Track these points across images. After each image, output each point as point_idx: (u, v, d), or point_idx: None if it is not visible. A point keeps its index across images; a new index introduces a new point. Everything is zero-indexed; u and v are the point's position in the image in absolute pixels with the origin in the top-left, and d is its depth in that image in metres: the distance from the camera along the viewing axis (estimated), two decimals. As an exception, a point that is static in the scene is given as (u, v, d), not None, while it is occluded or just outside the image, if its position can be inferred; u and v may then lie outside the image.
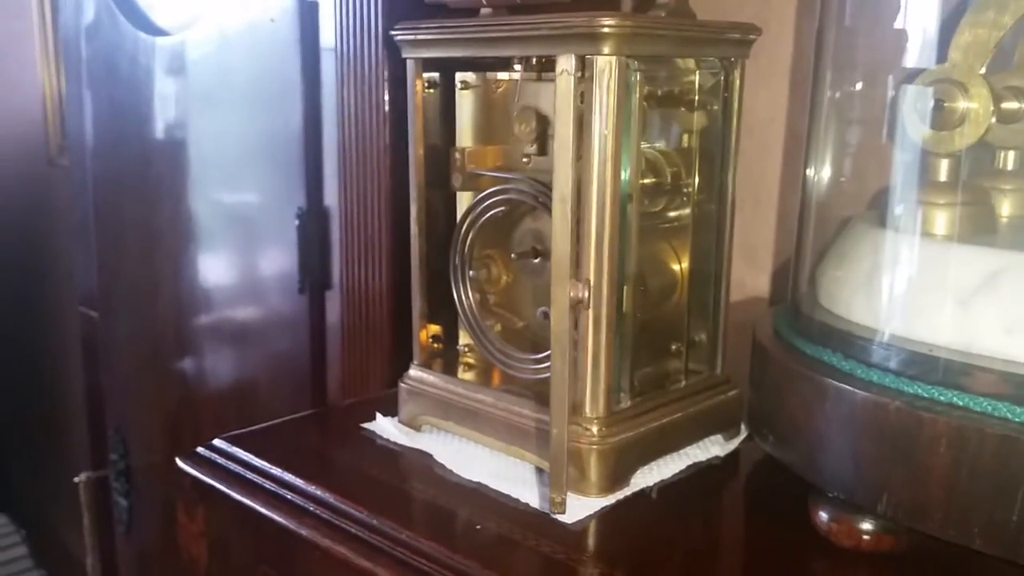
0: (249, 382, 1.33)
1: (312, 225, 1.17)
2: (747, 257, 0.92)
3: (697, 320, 0.71)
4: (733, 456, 0.70)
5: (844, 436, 0.55)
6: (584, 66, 0.59)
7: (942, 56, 0.61)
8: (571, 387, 0.64)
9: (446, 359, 0.76)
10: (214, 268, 1.36)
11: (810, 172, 0.66)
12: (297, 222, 1.17)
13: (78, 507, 1.58)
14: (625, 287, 0.64)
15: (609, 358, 0.62)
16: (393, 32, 0.70)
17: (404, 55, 0.70)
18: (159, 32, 1.37)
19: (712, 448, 0.70)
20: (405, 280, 0.85)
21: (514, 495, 0.63)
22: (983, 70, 0.60)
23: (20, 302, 2.13)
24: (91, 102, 1.55)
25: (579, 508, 0.61)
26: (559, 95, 0.46)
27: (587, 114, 0.59)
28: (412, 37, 0.68)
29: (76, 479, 1.59)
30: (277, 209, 1.22)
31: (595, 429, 0.63)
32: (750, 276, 0.94)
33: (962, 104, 0.60)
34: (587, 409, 0.63)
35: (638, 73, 0.61)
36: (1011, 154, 0.70)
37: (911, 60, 0.64)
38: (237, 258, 1.32)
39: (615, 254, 0.61)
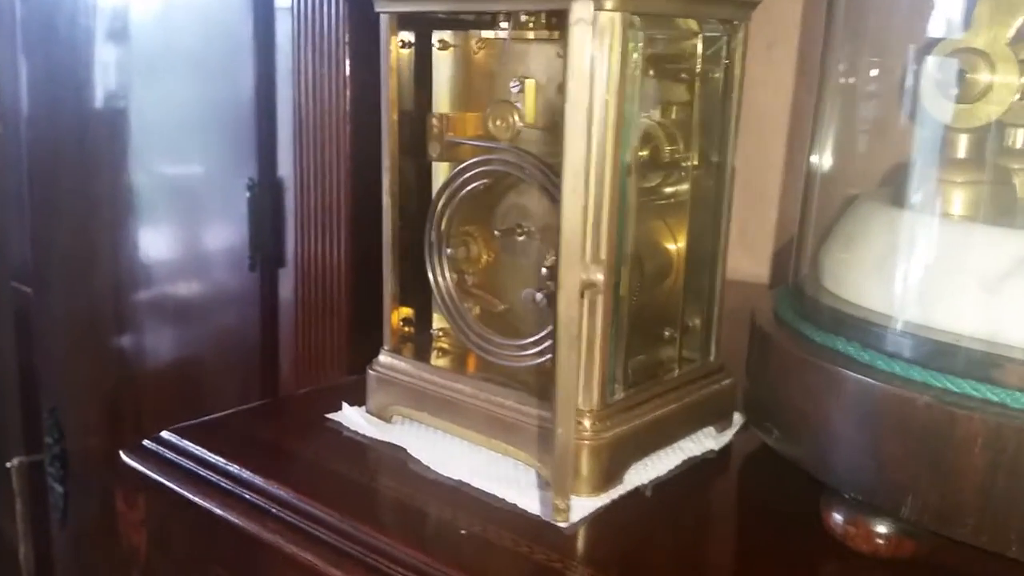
0: (194, 364, 1.26)
1: (264, 197, 1.10)
2: (743, 237, 0.88)
3: (692, 304, 0.67)
4: (726, 449, 0.66)
5: (864, 433, 0.51)
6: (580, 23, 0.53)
7: (964, 24, 0.57)
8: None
9: (418, 344, 0.70)
10: (156, 242, 1.28)
11: (816, 148, 0.61)
12: (248, 194, 1.10)
13: (10, 493, 1.49)
14: (623, 269, 0.59)
15: (605, 346, 0.57)
16: (365, -16, 0.63)
17: (377, 9, 0.63)
18: (100, -10, 1.28)
19: (706, 441, 0.66)
20: (366, 257, 0.79)
21: (500, 495, 0.57)
22: (1011, 34, 0.56)
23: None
24: (26, 66, 1.45)
25: (572, 510, 0.56)
26: (572, 50, 0.40)
27: (582, 78, 0.54)
28: (387, -11, 0.62)
29: (8, 464, 1.50)
30: (226, 180, 1.15)
31: (588, 423, 0.58)
32: (745, 257, 0.90)
33: (985, 76, 0.56)
34: (580, 401, 0.58)
35: (641, 32, 0.56)
36: (1020, 132, 0.66)
37: (930, 28, 0.59)
38: (182, 232, 1.24)
39: (614, 233, 0.56)
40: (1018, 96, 0.58)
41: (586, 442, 0.58)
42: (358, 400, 0.69)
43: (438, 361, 0.69)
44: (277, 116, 1.09)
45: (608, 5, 0.52)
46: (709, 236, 0.65)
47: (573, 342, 0.43)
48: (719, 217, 0.65)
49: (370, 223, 0.70)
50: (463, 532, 0.53)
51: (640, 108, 0.58)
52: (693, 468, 0.63)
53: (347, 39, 0.95)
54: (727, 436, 0.67)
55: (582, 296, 0.42)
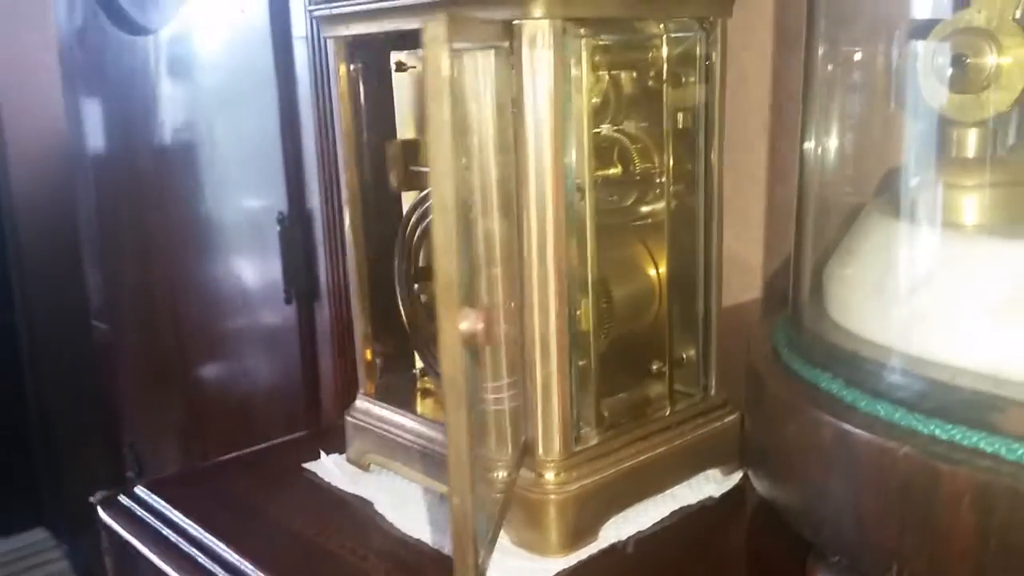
0: (248, 397, 1.25)
1: (295, 230, 1.08)
2: (733, 256, 0.79)
3: (682, 334, 0.60)
4: (733, 494, 0.59)
5: (845, 487, 0.44)
6: (512, 34, 0.48)
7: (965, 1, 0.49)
8: (520, 425, 0.53)
9: (399, 386, 0.65)
10: (207, 279, 1.28)
11: (809, 152, 0.54)
12: (279, 227, 1.09)
13: (95, 528, 1.52)
14: (583, 300, 0.53)
15: (563, 389, 0.52)
16: (310, 8, 0.60)
17: (324, 35, 0.60)
18: (141, 31, 1.29)
19: (706, 487, 0.59)
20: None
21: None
22: (1018, 13, 0.48)
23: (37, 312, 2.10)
24: (88, 108, 1.48)
25: (534, 573, 0.51)
26: (428, 73, 0.35)
27: (518, 93, 0.48)
28: (328, 12, 0.58)
29: (92, 498, 1.52)
30: (260, 213, 1.14)
31: (550, 475, 0.52)
32: (738, 279, 0.81)
33: (991, 59, 0.47)
34: (540, 450, 0.52)
35: (583, 40, 0.50)
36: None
37: (927, 8, 0.51)
38: (228, 268, 1.24)
39: (561, 262, 0.50)
40: (1037, 80, 0.50)
41: (550, 496, 0.52)
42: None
43: (422, 404, 0.64)
44: (303, 147, 1.07)
45: (536, 12, 0.47)
46: (697, 258, 0.58)
47: (461, 399, 0.37)
48: (709, 236, 0.58)
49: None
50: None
51: (591, 122, 0.52)
52: (686, 518, 0.56)
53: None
54: (732, 480, 0.60)
55: (466, 347, 0.37)
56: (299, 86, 1.05)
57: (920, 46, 0.49)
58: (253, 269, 1.19)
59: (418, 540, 0.55)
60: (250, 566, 0.54)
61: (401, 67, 0.61)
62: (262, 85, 1.06)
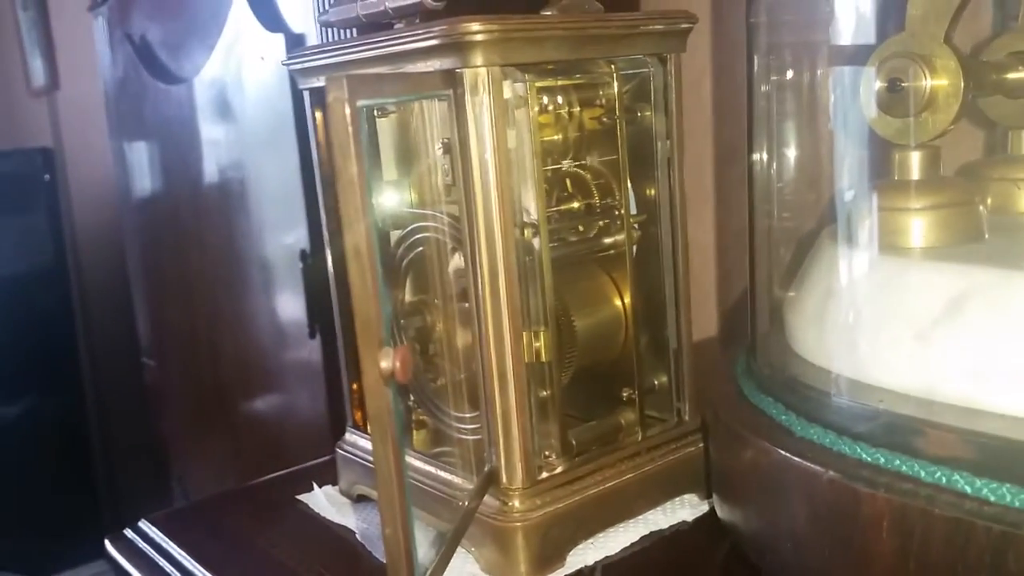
0: (281, 429, 1.29)
1: (317, 267, 1.12)
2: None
3: (654, 361, 0.61)
4: (708, 519, 0.59)
5: (782, 511, 0.44)
6: (455, 82, 0.50)
7: (899, 24, 0.50)
8: (486, 454, 0.55)
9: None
10: (241, 315, 1.32)
11: (757, 178, 0.55)
12: (301, 265, 1.12)
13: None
14: (543, 332, 0.55)
15: (523, 419, 0.53)
16: (284, 62, 0.63)
17: (300, 86, 0.63)
18: (175, 80, 1.35)
19: (680, 512, 0.59)
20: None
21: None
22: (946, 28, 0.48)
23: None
24: (131, 154, 1.55)
25: (499, 597, 0.52)
26: (331, 130, 0.38)
27: (463, 137, 0.51)
28: (300, 66, 0.61)
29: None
30: (289, 252, 1.17)
31: (515, 503, 0.54)
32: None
33: (926, 83, 0.48)
34: (504, 479, 0.54)
35: (527, 83, 0.52)
36: (1025, 135, 0.57)
37: (860, 34, 0.52)
38: (260, 304, 1.28)
39: (514, 297, 0.52)
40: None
41: (516, 523, 0.53)
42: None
43: (417, 436, 0.66)
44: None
45: (477, 61, 0.49)
46: (664, 286, 0.60)
47: (385, 434, 0.39)
48: (676, 264, 0.59)
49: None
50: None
51: (541, 162, 0.53)
52: (657, 543, 0.57)
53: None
54: (707, 505, 0.60)
55: (387, 384, 0.39)
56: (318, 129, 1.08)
57: (857, 73, 0.50)
58: (283, 305, 1.23)
59: (393, 569, 0.56)
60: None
61: (383, 112, 0.64)
62: (284, 129, 1.10)
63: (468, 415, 0.60)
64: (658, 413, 0.62)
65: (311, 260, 1.12)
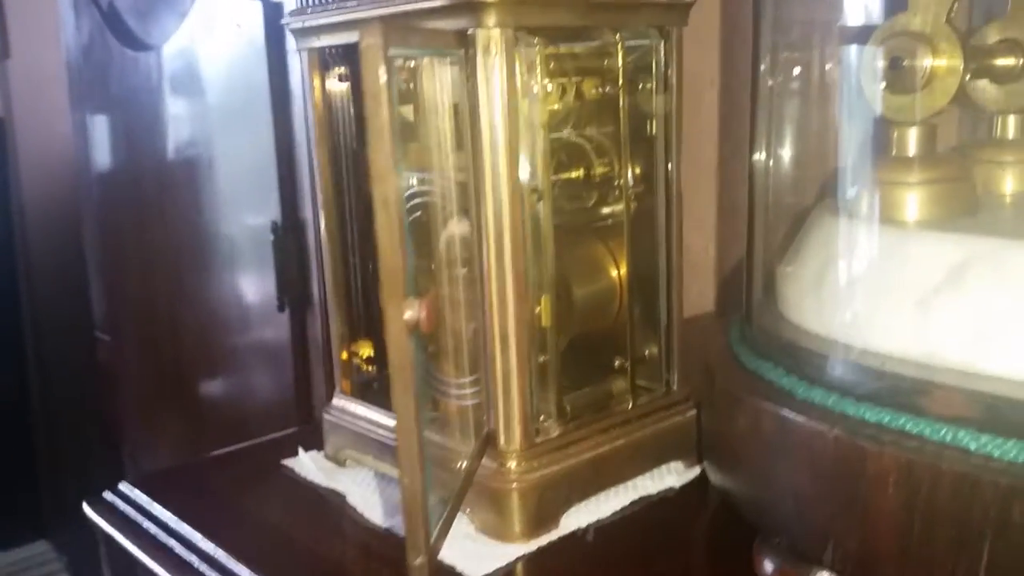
0: (244, 403, 1.28)
1: (288, 239, 1.11)
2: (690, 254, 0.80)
3: (645, 331, 0.62)
4: (694, 486, 0.61)
5: (784, 471, 0.46)
6: (467, 43, 0.50)
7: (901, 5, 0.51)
8: (484, 416, 0.55)
9: (382, 384, 0.67)
10: (205, 290, 1.31)
11: (757, 156, 0.56)
12: (272, 237, 1.11)
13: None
14: (543, 298, 0.55)
15: (523, 382, 0.54)
16: (284, 22, 0.62)
17: (298, 47, 0.62)
18: (144, 47, 1.33)
19: (667, 478, 0.61)
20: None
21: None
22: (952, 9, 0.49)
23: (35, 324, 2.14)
24: (93, 123, 1.52)
25: (495, 557, 0.53)
26: (365, 78, 0.38)
27: (472, 99, 0.51)
28: (300, 25, 0.60)
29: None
30: (255, 224, 1.16)
31: (512, 464, 0.54)
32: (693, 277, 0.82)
33: (927, 62, 0.49)
34: (502, 441, 0.54)
35: (536, 48, 0.53)
36: (1011, 120, 0.59)
37: (865, 13, 0.53)
38: (225, 279, 1.26)
39: (519, 261, 0.52)
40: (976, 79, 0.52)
41: (512, 485, 0.54)
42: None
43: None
44: (296, 158, 1.10)
45: (489, 22, 0.50)
46: (658, 258, 0.61)
47: (407, 386, 0.39)
48: (670, 236, 0.60)
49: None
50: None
51: (547, 127, 0.54)
52: (646, 508, 0.58)
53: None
54: (693, 472, 0.61)
55: (410, 335, 0.39)
56: (294, 99, 1.07)
57: (860, 51, 0.51)
58: (249, 280, 1.22)
59: (387, 530, 0.57)
60: (223, 555, 0.56)
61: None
62: (258, 98, 1.09)
63: (466, 380, 0.60)
64: (648, 383, 0.63)
65: (281, 232, 1.12)
